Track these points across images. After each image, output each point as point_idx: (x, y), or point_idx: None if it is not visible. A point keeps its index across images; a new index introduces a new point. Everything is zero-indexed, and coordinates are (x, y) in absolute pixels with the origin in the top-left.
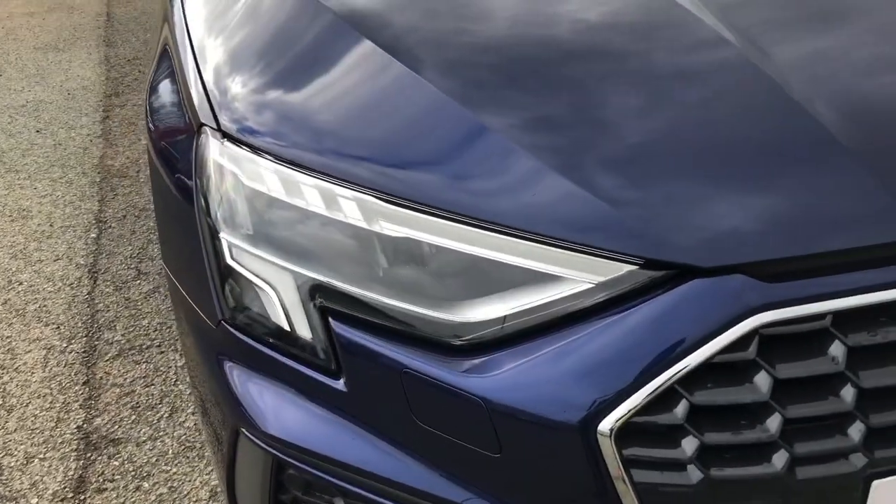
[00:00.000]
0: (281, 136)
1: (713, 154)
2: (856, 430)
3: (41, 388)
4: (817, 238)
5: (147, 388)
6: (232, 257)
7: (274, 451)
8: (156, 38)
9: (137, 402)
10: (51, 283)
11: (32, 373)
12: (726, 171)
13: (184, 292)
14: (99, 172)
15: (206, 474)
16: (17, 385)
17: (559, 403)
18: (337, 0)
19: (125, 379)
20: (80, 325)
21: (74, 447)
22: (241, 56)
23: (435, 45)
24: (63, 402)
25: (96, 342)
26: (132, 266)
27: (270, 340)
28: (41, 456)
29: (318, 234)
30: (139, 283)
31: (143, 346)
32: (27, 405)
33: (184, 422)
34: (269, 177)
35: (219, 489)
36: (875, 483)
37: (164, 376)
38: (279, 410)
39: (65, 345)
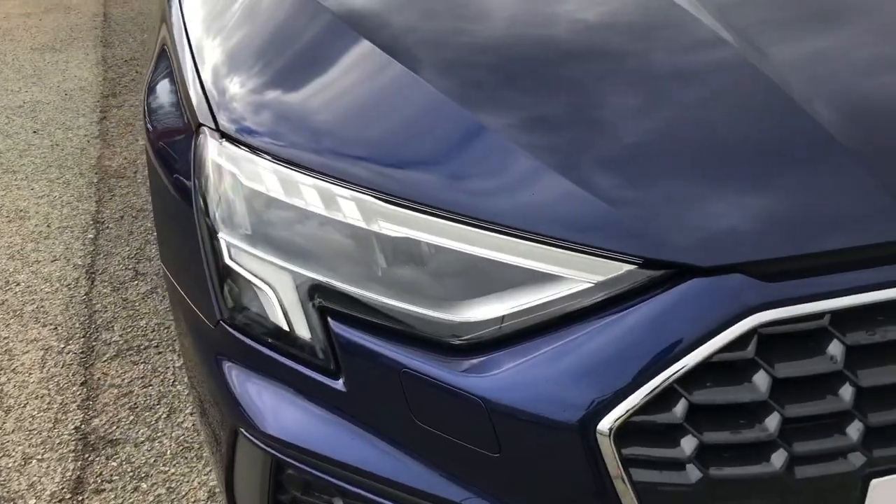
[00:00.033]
0: (279, 136)
1: (712, 154)
2: (854, 429)
3: (39, 388)
4: (816, 238)
5: (145, 389)
6: (230, 257)
7: (273, 452)
8: (154, 39)
9: (135, 403)
10: (48, 284)
11: (30, 373)
12: (725, 171)
13: (182, 292)
14: (96, 173)
15: (205, 475)
16: (14, 386)
17: (558, 403)
18: (335, 0)
19: (123, 380)
20: (77, 325)
21: (72, 448)
22: (239, 56)
23: (433, 45)
24: (61, 403)
25: (94, 343)
26: (130, 267)
27: (269, 340)
28: (39, 457)
29: (316, 234)
30: (137, 284)
31: (141, 347)
32: (25, 406)
33: (182, 422)
34: (267, 177)
35: (217, 490)
36: (873, 482)
37: (161, 377)
38: (278, 410)
39: (62, 345)
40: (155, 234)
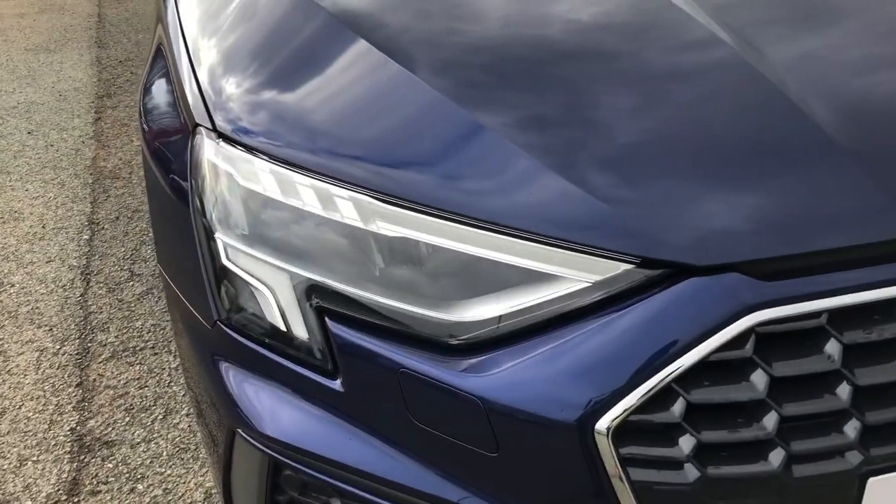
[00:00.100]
0: (276, 135)
1: (709, 153)
2: (852, 428)
3: (34, 390)
4: (812, 237)
5: (141, 390)
6: (227, 258)
7: (270, 452)
8: (149, 39)
9: (131, 404)
10: (43, 285)
11: (25, 375)
12: (722, 171)
13: (179, 293)
14: (91, 174)
15: (201, 476)
16: (9, 387)
17: (556, 402)
18: None
19: (119, 381)
20: (73, 326)
21: (68, 449)
22: (235, 56)
23: (430, 45)
24: (56, 405)
25: (89, 344)
26: (125, 268)
27: (266, 341)
28: (34, 458)
29: (313, 234)
30: (132, 285)
31: (137, 348)
32: (20, 407)
33: (178, 423)
34: (264, 177)
35: (214, 490)
36: (871, 480)
37: (157, 378)
38: (275, 411)
39: (58, 347)
40: (150, 234)
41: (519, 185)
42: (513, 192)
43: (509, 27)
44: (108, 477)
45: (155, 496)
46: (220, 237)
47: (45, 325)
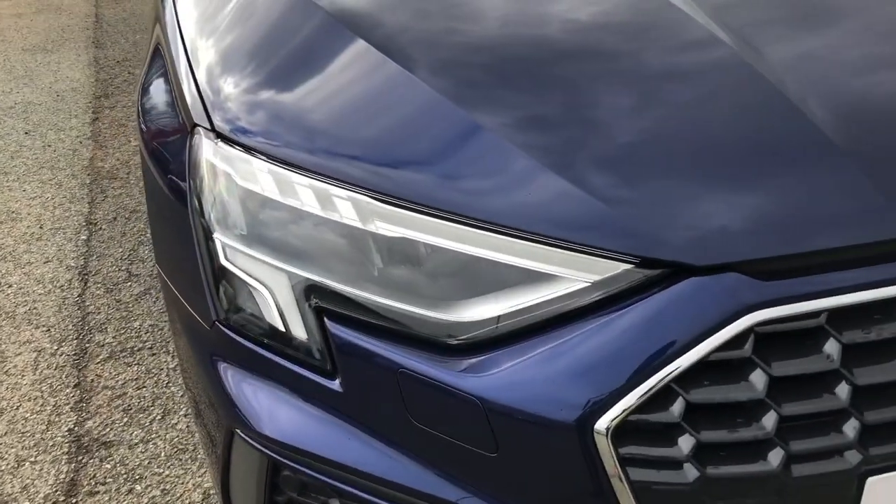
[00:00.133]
0: (275, 135)
1: (708, 153)
2: (851, 427)
3: (32, 390)
4: (811, 236)
5: (139, 391)
6: (226, 258)
7: (269, 452)
8: (147, 39)
9: (129, 405)
10: (41, 286)
11: (23, 376)
12: (721, 170)
13: (177, 293)
14: (89, 174)
15: (199, 476)
16: (7, 388)
17: (555, 402)
18: None
19: (117, 381)
20: (70, 327)
21: (66, 450)
22: (233, 56)
23: (429, 44)
24: (54, 405)
25: (87, 344)
26: (123, 268)
27: (265, 341)
28: (32, 459)
29: (312, 235)
30: (130, 285)
31: (135, 349)
32: (17, 408)
33: (176, 424)
34: (263, 177)
35: (212, 491)
36: (870, 480)
37: (155, 378)
38: (274, 411)
39: (55, 347)
40: (148, 235)
41: (518, 185)
42: (512, 191)
43: (508, 27)
44: (106, 478)
45: (153, 497)
46: (219, 237)
47: (43, 326)
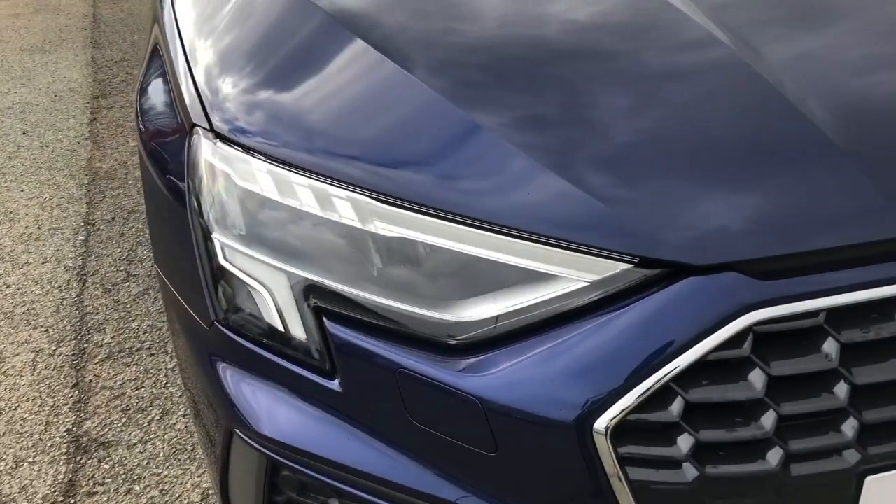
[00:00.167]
0: (273, 135)
1: (706, 153)
2: (849, 427)
3: (30, 391)
4: (809, 236)
5: (137, 391)
6: (225, 258)
7: (268, 452)
8: (145, 39)
9: (128, 405)
10: (39, 286)
11: (21, 376)
12: (720, 170)
13: (176, 293)
14: (87, 174)
15: (198, 477)
16: (5, 389)
17: (555, 402)
18: None
19: (115, 382)
20: (69, 327)
21: (64, 451)
22: (232, 56)
23: (427, 44)
24: (52, 406)
25: (85, 345)
26: (121, 268)
27: (264, 341)
28: (30, 460)
29: (311, 234)
30: (128, 286)
31: (133, 349)
32: (16, 409)
33: (174, 424)
34: (261, 177)
35: (211, 491)
36: (868, 479)
37: (154, 378)
38: (273, 411)
39: (54, 348)
40: (147, 235)
41: (517, 185)
42: (510, 191)
43: (506, 27)
44: (104, 478)
45: (152, 497)
46: (218, 237)
47: (41, 326)
